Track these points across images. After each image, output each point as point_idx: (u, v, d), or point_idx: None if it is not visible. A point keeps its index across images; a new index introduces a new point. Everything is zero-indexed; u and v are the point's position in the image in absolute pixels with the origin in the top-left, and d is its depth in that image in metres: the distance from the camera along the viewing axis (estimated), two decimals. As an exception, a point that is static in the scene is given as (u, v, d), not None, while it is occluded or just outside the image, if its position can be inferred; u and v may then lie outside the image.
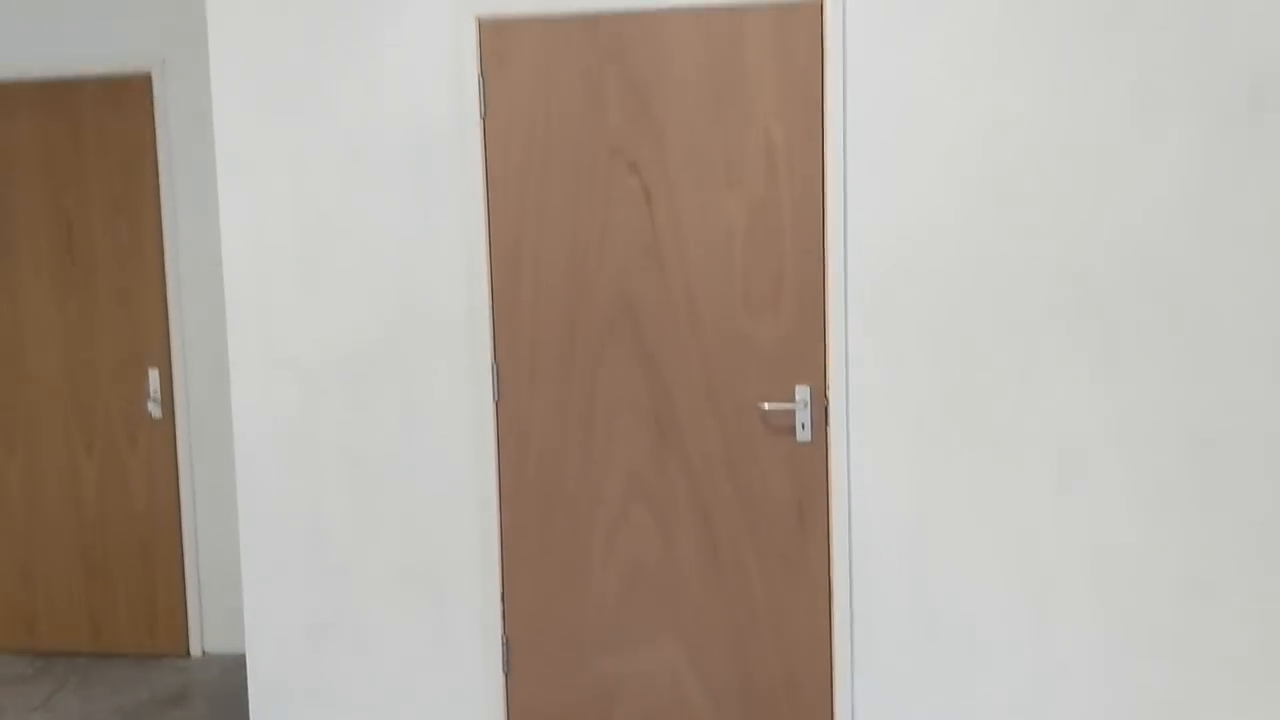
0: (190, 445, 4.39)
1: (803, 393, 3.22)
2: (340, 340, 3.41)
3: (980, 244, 3.12)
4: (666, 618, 3.34)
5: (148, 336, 4.36)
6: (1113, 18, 3.02)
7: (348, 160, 3.36)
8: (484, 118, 3.29)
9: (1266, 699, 3.10)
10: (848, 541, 3.23)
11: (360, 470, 3.43)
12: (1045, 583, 3.17)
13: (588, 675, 3.39)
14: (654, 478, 3.31)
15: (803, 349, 3.22)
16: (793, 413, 3.24)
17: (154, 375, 4.36)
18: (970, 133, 3.11)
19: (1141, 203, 3.06)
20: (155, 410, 4.35)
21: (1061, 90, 3.06)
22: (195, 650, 4.45)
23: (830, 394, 3.20)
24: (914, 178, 3.13)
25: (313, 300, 3.41)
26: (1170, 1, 3.00)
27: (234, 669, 4.33)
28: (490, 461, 3.36)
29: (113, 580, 4.46)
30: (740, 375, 3.25)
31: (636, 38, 3.20)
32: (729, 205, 3.21)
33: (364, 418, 3.41)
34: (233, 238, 3.43)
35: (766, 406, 3.24)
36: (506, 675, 3.43)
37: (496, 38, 3.26)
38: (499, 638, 3.41)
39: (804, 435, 3.22)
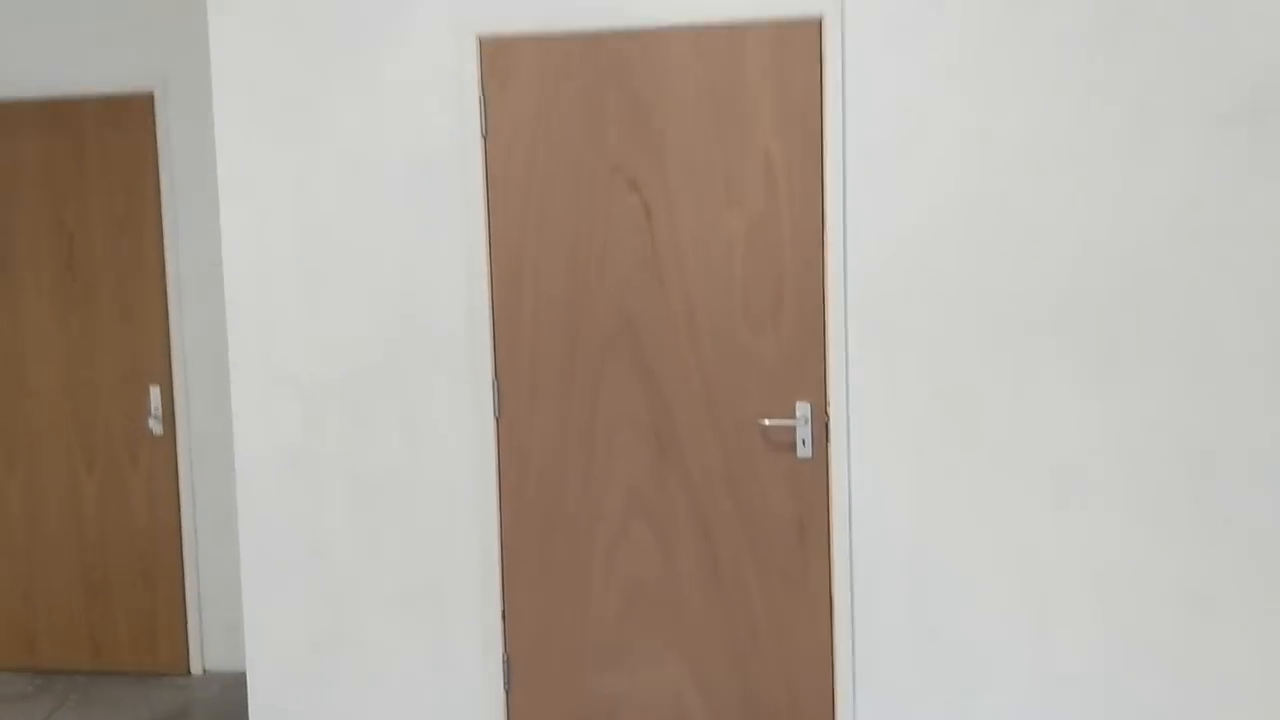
0: (191, 462, 4.39)
1: (803, 409, 3.22)
2: (341, 357, 3.41)
3: (979, 259, 3.13)
4: (668, 634, 3.34)
5: (149, 353, 4.37)
6: (1110, 33, 3.04)
7: (349, 178, 3.37)
8: (485, 135, 3.30)
9: (1266, 713, 3.09)
10: (848, 557, 3.23)
11: (361, 487, 3.43)
12: (1045, 597, 3.17)
13: (589, 693, 3.39)
14: (654, 494, 3.31)
15: (803, 365, 3.22)
16: (793, 429, 3.24)
17: (155, 392, 4.36)
18: (969, 148, 3.12)
19: (1139, 217, 3.07)
20: (156, 427, 4.36)
21: (1059, 105, 3.08)
22: (196, 668, 4.44)
23: (831, 410, 3.21)
24: (913, 194, 3.15)
25: (314, 318, 3.42)
26: (1168, 16, 3.02)
27: (234, 687, 4.32)
28: (491, 478, 3.36)
29: (113, 598, 4.45)
30: (740, 391, 3.25)
31: (636, 56, 3.22)
32: (729, 222, 3.22)
33: (365, 435, 3.42)
34: (234, 255, 3.44)
35: (767, 422, 3.24)
36: (507, 693, 3.42)
37: (497, 56, 3.28)
38: (500, 655, 3.40)
39: (804, 451, 3.23)
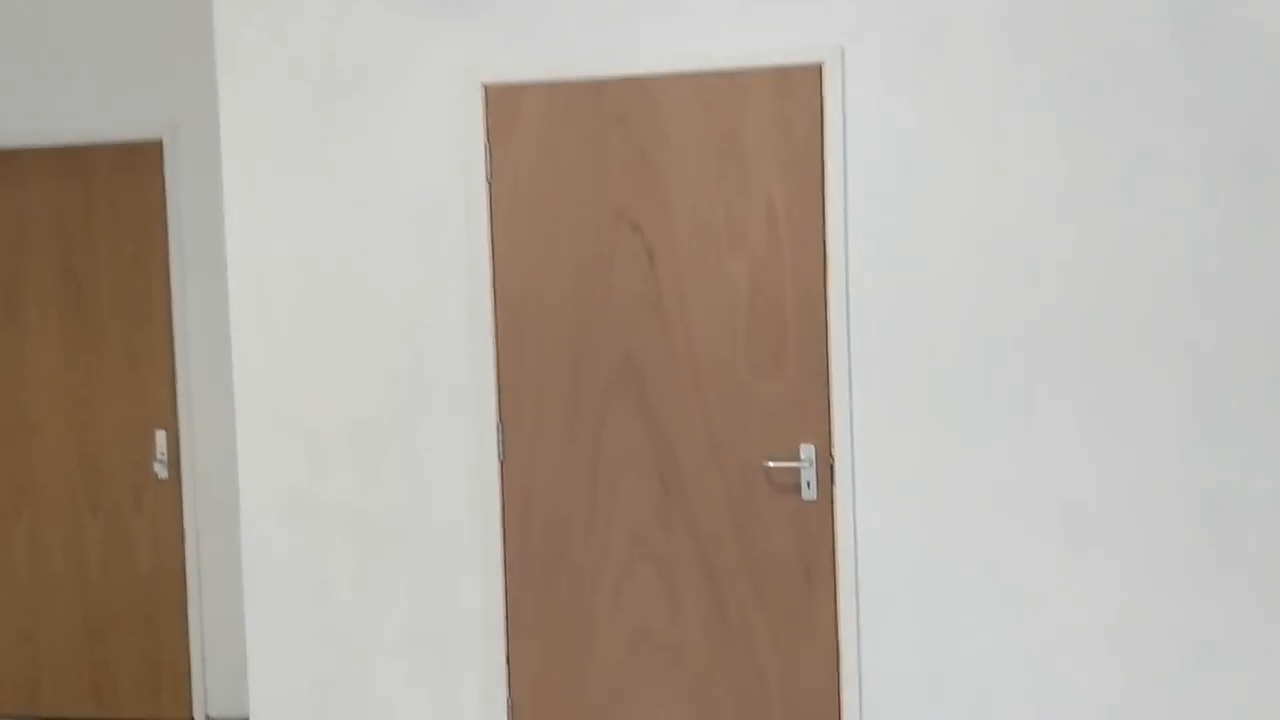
0: (196, 507, 4.39)
1: (808, 451, 3.22)
2: (346, 402, 3.42)
3: (981, 302, 3.15)
4: (673, 679, 3.32)
5: (155, 398, 4.39)
6: (1111, 81, 3.08)
7: (355, 224, 3.40)
8: (489, 181, 3.34)
9: (1280, 760, 3.06)
10: (855, 601, 3.22)
11: (365, 531, 3.43)
12: (1052, 640, 3.15)
13: (593, 738, 3.36)
14: (659, 537, 3.30)
15: (806, 407, 3.23)
16: (797, 471, 3.24)
17: (161, 437, 4.38)
18: (970, 192, 3.14)
19: (1141, 260, 3.08)
20: (161, 471, 4.36)
21: (1059, 149, 3.10)
22: (199, 715, 4.41)
23: (835, 452, 3.21)
24: (914, 236, 3.17)
25: (319, 362, 3.43)
26: (1166, 63, 3.05)
27: (237, 734, 4.29)
28: (495, 521, 3.36)
29: (116, 643, 4.43)
30: (744, 433, 3.25)
31: (639, 102, 3.26)
32: (731, 265, 3.24)
33: (369, 478, 3.42)
34: (241, 301, 3.47)
35: (771, 464, 3.24)
36: (511, 738, 3.40)
37: (503, 103, 3.32)
38: (504, 700, 3.38)
39: (809, 493, 3.22)
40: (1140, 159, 3.07)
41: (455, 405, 3.37)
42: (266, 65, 3.42)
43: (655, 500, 3.30)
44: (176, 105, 4.31)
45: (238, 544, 4.37)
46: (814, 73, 3.19)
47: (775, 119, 3.21)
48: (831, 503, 3.23)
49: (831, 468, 3.22)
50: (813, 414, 3.23)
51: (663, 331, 3.28)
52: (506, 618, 3.38)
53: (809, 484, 3.22)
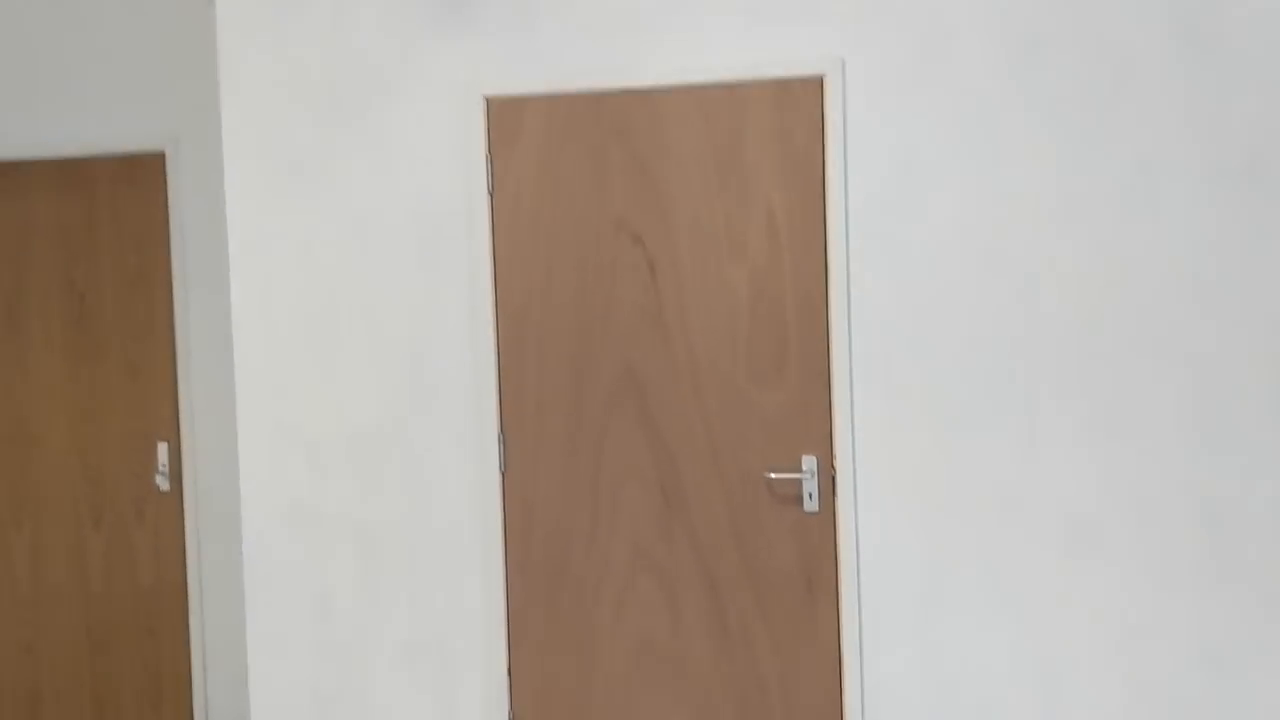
0: (198, 519, 4.39)
1: (809, 463, 3.22)
2: (348, 413, 3.43)
3: (983, 312, 3.15)
4: (675, 691, 3.31)
5: (157, 410, 4.39)
6: (1112, 90, 3.08)
7: (357, 236, 3.41)
8: (491, 193, 3.34)
9: (1285, 772, 3.05)
10: (857, 612, 3.21)
11: (366, 543, 3.43)
12: (1056, 650, 3.14)
13: (595, 750, 3.36)
14: (660, 548, 3.30)
15: (808, 418, 3.23)
16: (799, 482, 3.24)
17: (163, 449, 4.38)
18: (970, 202, 3.15)
19: (1141, 271, 3.08)
20: (163, 484, 4.36)
21: (1059, 160, 3.11)
22: (199, 727, 4.40)
23: (837, 463, 3.21)
24: (915, 247, 3.17)
25: (321, 374, 3.44)
26: (1166, 75, 3.06)
27: (238, 746, 4.28)
28: (496, 533, 3.35)
29: (118, 655, 4.43)
30: (746, 444, 3.25)
31: (640, 114, 3.27)
32: (732, 276, 3.25)
33: (371, 490, 3.42)
34: (243, 313, 3.47)
35: (772, 476, 3.24)
36: (513, 751, 3.39)
37: (504, 116, 3.33)
38: (505, 712, 3.37)
39: (811, 505, 3.22)
40: (1140, 167, 3.07)
41: (456, 416, 3.37)
42: (269, 78, 3.43)
43: (657, 511, 3.30)
44: (179, 118, 4.32)
45: (239, 556, 4.37)
46: (815, 84, 3.20)
47: (776, 130, 3.21)
48: (834, 514, 3.23)
49: (833, 479, 3.22)
50: (814, 424, 3.23)
51: (664, 342, 3.28)
52: (508, 628, 3.38)
53: (811, 495, 3.22)
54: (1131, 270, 3.09)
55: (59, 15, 4.37)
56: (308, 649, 3.46)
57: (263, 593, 3.48)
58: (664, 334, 3.28)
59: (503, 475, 3.36)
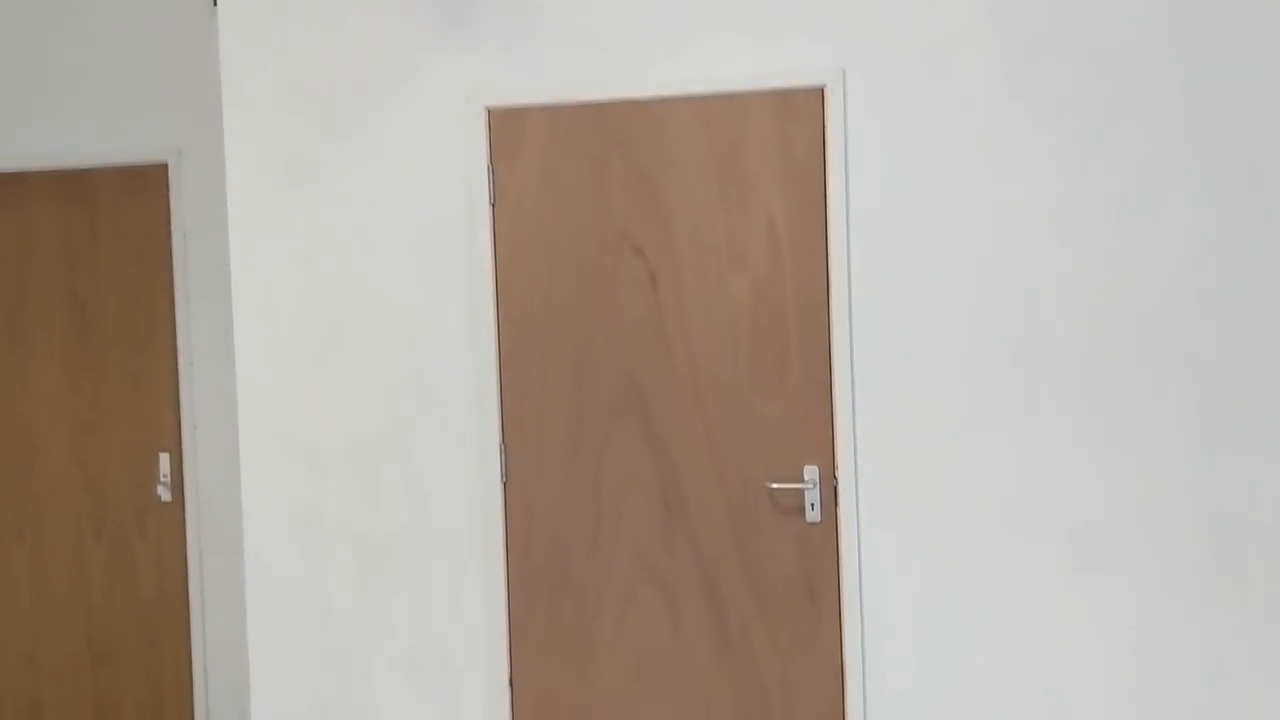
0: (199, 529, 4.39)
1: (811, 473, 3.22)
2: (350, 423, 3.43)
3: (984, 321, 3.15)
4: (677, 700, 3.31)
5: (158, 421, 4.39)
6: (1111, 100, 3.09)
7: (358, 246, 3.41)
8: (493, 204, 3.35)
9: (1288, 782, 3.05)
10: (860, 623, 3.21)
11: (368, 553, 3.43)
12: (1061, 662, 3.14)
13: (597, 761, 3.35)
14: (662, 558, 3.30)
15: (810, 427, 3.23)
16: (801, 492, 3.24)
17: (164, 459, 4.38)
18: (970, 212, 3.15)
19: (1145, 279, 3.09)
20: (165, 494, 4.36)
21: (1060, 170, 3.11)
22: (201, 738, 4.40)
23: (839, 473, 3.21)
24: (916, 257, 3.17)
25: (322, 383, 3.44)
26: (1166, 85, 3.06)
27: (240, 757, 4.27)
28: (498, 542, 3.35)
29: (119, 666, 4.43)
30: (747, 454, 3.25)
31: (641, 125, 3.28)
32: (734, 286, 3.25)
33: (372, 500, 3.42)
34: (244, 323, 3.47)
35: (775, 486, 3.24)
36: (515, 762, 3.38)
37: (505, 126, 3.34)
38: (508, 723, 3.37)
39: (813, 515, 3.22)
40: (1140, 177, 3.08)
41: (458, 426, 3.37)
42: (270, 89, 3.44)
43: (658, 521, 3.29)
44: (181, 129, 4.34)
45: (240, 566, 4.37)
46: (815, 95, 3.20)
47: (777, 141, 3.22)
48: (836, 524, 3.23)
49: (835, 489, 3.22)
50: (816, 434, 3.23)
51: (665, 352, 3.28)
52: (509, 638, 3.37)
53: (813, 506, 3.22)
54: (1132, 279, 3.09)
55: (61, 27, 4.38)
56: (309, 659, 3.46)
57: (264, 602, 3.48)
58: (665, 343, 3.28)
59: (504, 484, 3.36)
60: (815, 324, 3.22)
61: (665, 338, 3.28)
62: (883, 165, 3.18)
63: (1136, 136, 3.08)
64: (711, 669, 3.29)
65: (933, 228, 3.17)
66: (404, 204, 3.39)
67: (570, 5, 3.30)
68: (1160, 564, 3.09)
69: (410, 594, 3.41)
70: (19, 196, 4.45)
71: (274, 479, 3.46)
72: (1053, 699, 3.15)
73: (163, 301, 4.38)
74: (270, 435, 3.46)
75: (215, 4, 4.12)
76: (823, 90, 3.20)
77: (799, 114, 3.21)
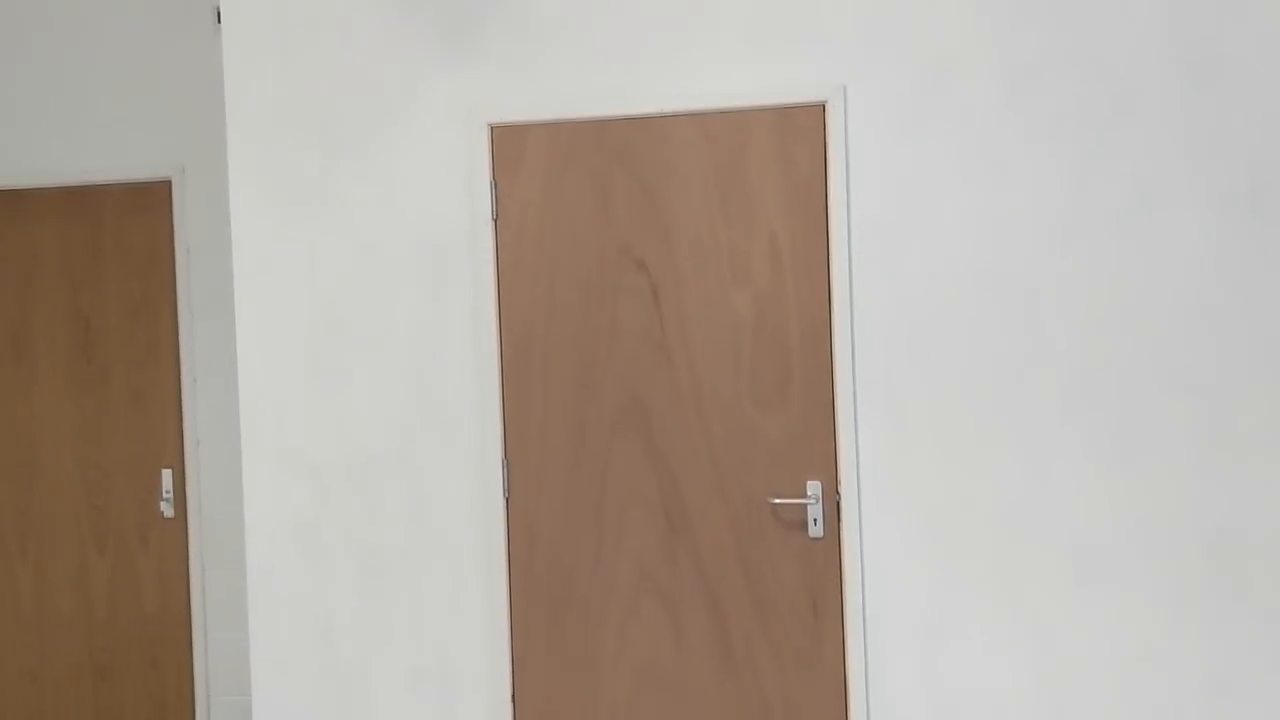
0: (202, 545, 4.39)
1: (814, 488, 3.22)
2: (352, 439, 3.43)
3: (987, 336, 3.16)
4: (679, 716, 3.30)
5: (161, 436, 4.40)
6: (1111, 115, 3.10)
7: (361, 262, 3.42)
8: (495, 219, 3.36)
9: (1294, 797, 3.04)
10: (863, 638, 3.20)
11: (370, 568, 3.43)
12: (1063, 679, 3.13)
13: (600, 777, 3.34)
14: (665, 573, 3.30)
15: (812, 442, 3.23)
16: (804, 507, 3.24)
17: (167, 475, 4.38)
18: (971, 227, 3.16)
19: (1147, 295, 3.09)
20: (168, 510, 4.37)
21: (1060, 183, 3.12)
22: (203, 754, 4.39)
23: (842, 488, 3.21)
24: (917, 272, 3.18)
25: (325, 399, 3.45)
26: (1165, 99, 3.07)
27: (242, 773, 4.26)
28: (500, 558, 3.35)
29: (122, 682, 4.42)
30: (750, 469, 3.26)
31: (643, 141, 3.29)
32: (736, 301, 3.26)
33: (375, 516, 3.42)
34: (247, 339, 3.48)
35: (777, 502, 3.24)
36: (518, 778, 3.38)
37: (507, 142, 3.35)
38: (510, 739, 3.37)
39: (816, 530, 3.22)
40: (1140, 192, 3.08)
41: (460, 442, 3.38)
42: (273, 106, 3.45)
43: (661, 536, 3.29)
44: (184, 146, 4.35)
45: (243, 581, 4.37)
46: (817, 111, 3.21)
47: (778, 156, 3.23)
48: (839, 540, 3.22)
49: (838, 504, 3.22)
50: (819, 449, 3.23)
51: (668, 367, 3.29)
52: (512, 653, 3.37)
53: (815, 521, 3.22)
54: (1134, 293, 3.09)
55: (66, 45, 4.41)
56: (312, 674, 3.45)
57: (266, 617, 3.47)
58: (667, 358, 3.29)
59: (506, 499, 3.37)
60: (817, 338, 3.23)
61: (667, 352, 3.29)
62: (884, 180, 3.19)
63: (1137, 150, 3.09)
64: (714, 684, 3.29)
65: (934, 242, 3.17)
66: (406, 220, 3.40)
67: (572, 22, 3.32)
68: (1164, 578, 3.08)
69: (412, 609, 3.41)
70: (23, 213, 4.47)
71: (276, 494, 3.47)
72: (1056, 714, 3.14)
73: (166, 318, 4.39)
74: (273, 451, 3.47)
75: (219, 22, 4.15)
76: (824, 106, 3.21)
77: (800, 129, 3.22)
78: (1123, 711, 3.11)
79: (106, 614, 4.43)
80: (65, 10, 4.40)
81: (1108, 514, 3.10)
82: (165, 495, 4.37)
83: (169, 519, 4.39)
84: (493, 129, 3.35)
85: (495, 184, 3.36)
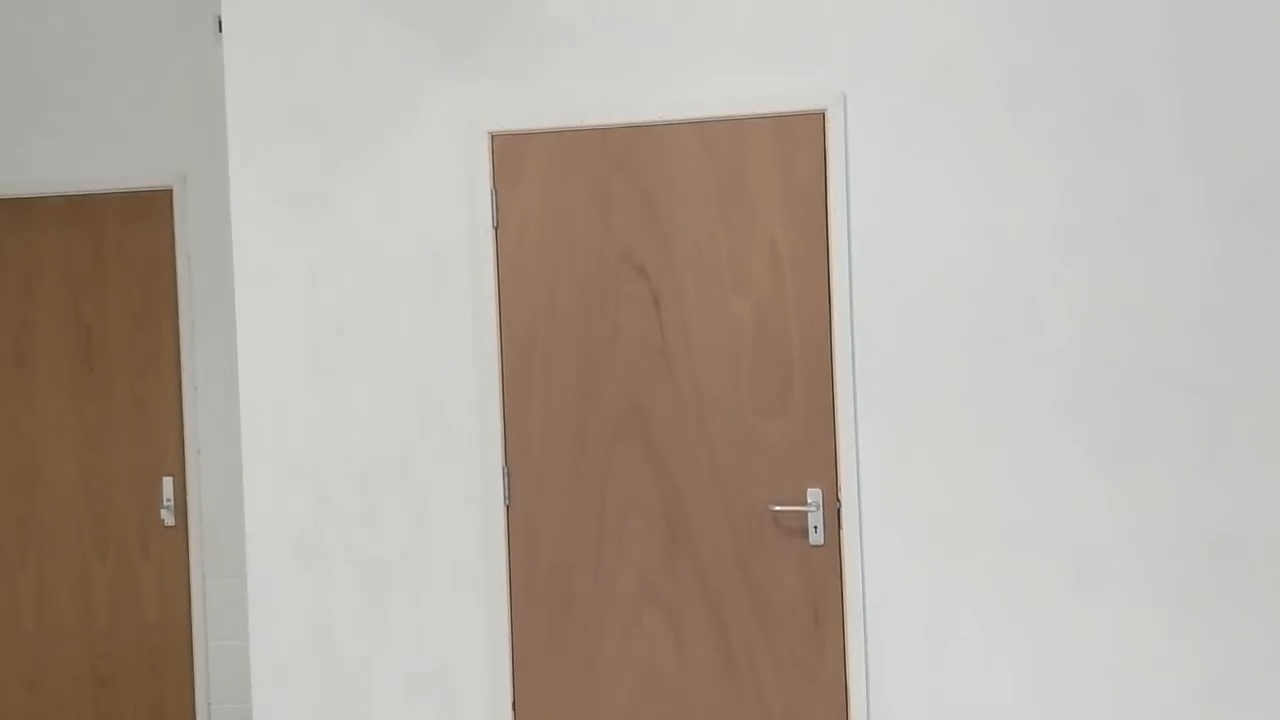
0: (203, 553, 4.39)
1: (814, 495, 3.22)
2: (353, 447, 3.43)
3: (987, 343, 3.16)
4: (681, 725, 3.30)
5: (163, 444, 4.40)
6: (1112, 123, 3.10)
7: (362, 271, 3.43)
8: (496, 227, 3.37)
9: (1296, 804, 3.03)
10: (863, 645, 3.20)
11: (371, 576, 3.43)
12: (1064, 683, 3.13)
13: (601, 785, 3.34)
14: (666, 581, 3.30)
15: (813, 450, 3.23)
16: (804, 515, 3.24)
17: (168, 483, 4.38)
18: (971, 235, 3.16)
19: (1148, 300, 3.09)
20: (168, 518, 4.37)
21: (1060, 192, 3.13)
22: (203, 763, 4.38)
23: (842, 495, 3.21)
24: (917, 279, 3.18)
25: (326, 407, 3.45)
26: (1166, 106, 3.08)
27: (242, 782, 4.26)
28: (501, 566, 3.35)
29: (123, 690, 4.42)
30: (751, 477, 3.26)
31: (643, 149, 3.30)
32: (736, 308, 3.26)
33: (375, 524, 3.42)
34: (248, 347, 3.49)
35: (778, 509, 3.24)
36: (519, 786, 3.37)
37: (508, 151, 3.36)
38: (511, 747, 3.36)
39: (817, 538, 3.22)
40: (1141, 199, 3.09)
41: (461, 449, 3.38)
42: (275, 114, 3.46)
43: (662, 544, 3.29)
44: (185, 154, 4.36)
45: (244, 589, 4.36)
46: (816, 119, 3.22)
47: (778, 164, 3.24)
48: (839, 547, 3.22)
49: (839, 511, 3.22)
50: (819, 456, 3.23)
51: (668, 374, 3.29)
52: (512, 662, 3.37)
53: (816, 528, 3.22)
54: (1134, 299, 3.10)
55: (67, 53, 4.42)
56: (312, 683, 3.45)
57: (267, 626, 3.47)
58: (668, 366, 3.29)
59: (507, 508, 3.37)
60: (817, 346, 3.23)
61: (668, 359, 3.29)
62: (884, 188, 3.20)
63: (1137, 157, 3.09)
64: (715, 692, 3.29)
65: (934, 249, 3.18)
66: (407, 228, 3.41)
67: (572, 31, 3.33)
68: (1164, 583, 3.08)
69: (413, 617, 3.41)
70: (25, 222, 4.48)
71: (277, 502, 3.47)
72: (1057, 719, 3.14)
73: (167, 326, 4.40)
74: (273, 459, 3.47)
75: (220, 30, 4.16)
76: (824, 114, 3.22)
77: (800, 138, 3.23)
78: (1123, 715, 3.10)
79: (107, 622, 4.43)
80: (67, 20, 4.41)
81: (1108, 519, 3.10)
82: (166, 503, 4.37)
83: (170, 527, 4.39)
84: (493, 137, 3.36)
85: (496, 192, 3.37)
